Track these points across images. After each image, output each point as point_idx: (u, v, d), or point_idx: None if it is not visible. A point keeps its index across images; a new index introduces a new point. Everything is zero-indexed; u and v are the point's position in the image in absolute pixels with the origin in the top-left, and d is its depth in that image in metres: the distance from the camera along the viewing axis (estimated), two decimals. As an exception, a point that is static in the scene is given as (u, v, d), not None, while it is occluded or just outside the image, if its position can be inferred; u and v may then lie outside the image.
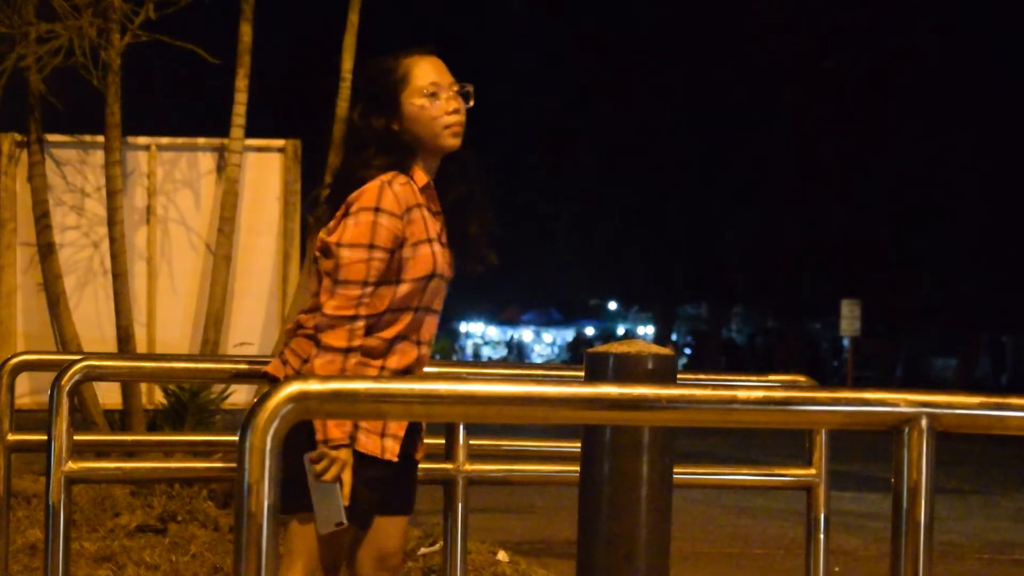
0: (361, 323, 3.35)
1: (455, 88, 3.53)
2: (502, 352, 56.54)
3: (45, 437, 3.95)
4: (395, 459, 3.46)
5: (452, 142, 3.50)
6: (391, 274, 3.42)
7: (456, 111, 3.50)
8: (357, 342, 3.35)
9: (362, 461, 3.36)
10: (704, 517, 10.18)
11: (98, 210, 9.84)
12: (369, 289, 3.37)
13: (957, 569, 8.32)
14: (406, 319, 3.47)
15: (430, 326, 3.55)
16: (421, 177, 3.51)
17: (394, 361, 3.46)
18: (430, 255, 3.45)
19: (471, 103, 3.55)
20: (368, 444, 3.38)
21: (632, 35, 35.95)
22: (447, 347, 56.67)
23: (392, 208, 3.39)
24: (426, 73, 3.50)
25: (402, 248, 3.41)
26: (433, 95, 3.48)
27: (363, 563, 3.61)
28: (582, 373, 2.93)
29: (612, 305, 53.44)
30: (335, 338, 3.32)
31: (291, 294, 9.41)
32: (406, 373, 3.49)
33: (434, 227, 3.49)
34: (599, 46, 36.40)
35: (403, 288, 3.44)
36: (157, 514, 7.48)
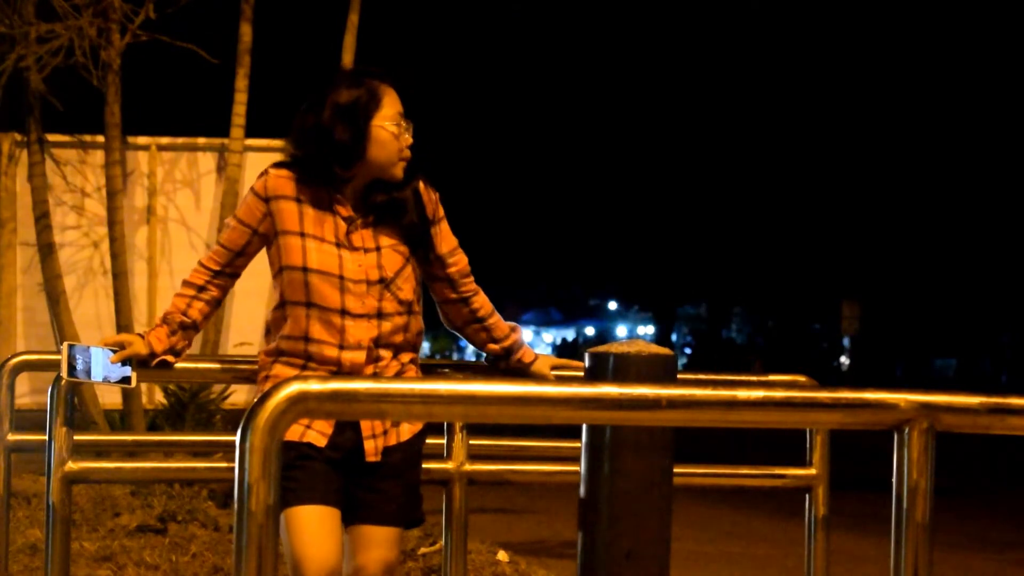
0: (204, 271, 3.74)
1: (410, 125, 3.69)
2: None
3: (45, 437, 3.94)
4: (319, 444, 3.56)
5: (399, 173, 3.66)
6: (273, 267, 3.67)
7: (410, 147, 3.67)
8: (191, 278, 3.77)
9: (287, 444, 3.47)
10: (704, 517, 10.18)
11: (98, 210, 9.84)
12: (221, 249, 3.71)
13: (958, 568, 8.32)
14: (299, 314, 3.62)
15: (353, 329, 3.61)
16: (346, 191, 3.67)
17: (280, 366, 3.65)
18: (298, 248, 3.60)
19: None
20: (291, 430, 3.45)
21: (635, 37, 35.95)
22: (447, 347, 56.65)
23: (258, 190, 3.66)
24: (395, 102, 3.66)
25: (277, 238, 3.63)
26: (399, 126, 3.65)
27: None
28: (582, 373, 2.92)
29: (612, 305, 53.41)
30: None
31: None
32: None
33: (321, 226, 3.62)
34: (602, 46, 36.39)
35: (285, 278, 3.63)
36: (157, 514, 7.48)
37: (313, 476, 3.52)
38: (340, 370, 3.59)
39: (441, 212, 3.77)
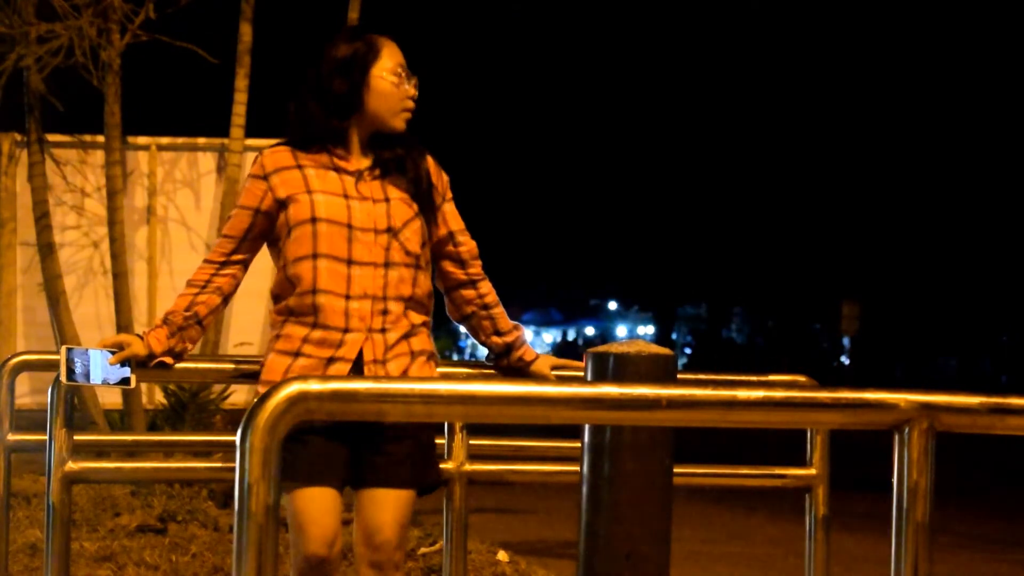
0: (208, 266, 3.76)
1: (412, 77, 3.73)
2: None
3: (45, 437, 3.95)
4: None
5: (401, 124, 3.70)
6: (280, 237, 3.67)
7: (413, 98, 3.71)
8: (196, 275, 3.79)
9: None
10: (704, 517, 10.18)
11: (98, 210, 9.84)
12: (224, 239, 3.73)
13: (958, 568, 8.32)
14: (306, 268, 3.62)
15: (359, 278, 3.62)
16: (350, 145, 3.71)
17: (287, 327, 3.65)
18: (306, 202, 3.62)
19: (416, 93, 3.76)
20: None
21: (635, 37, 36.00)
22: (447, 347, 56.64)
23: (256, 171, 3.72)
24: (395, 54, 3.71)
25: (284, 206, 3.65)
26: (399, 76, 3.68)
27: (356, 543, 3.64)
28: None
29: (612, 305, 53.43)
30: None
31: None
32: (315, 328, 3.61)
33: (327, 182, 3.66)
34: (603, 47, 36.44)
35: (294, 235, 3.63)
36: (157, 514, 7.48)
37: (314, 453, 3.53)
38: (347, 324, 3.60)
39: (450, 194, 3.82)
